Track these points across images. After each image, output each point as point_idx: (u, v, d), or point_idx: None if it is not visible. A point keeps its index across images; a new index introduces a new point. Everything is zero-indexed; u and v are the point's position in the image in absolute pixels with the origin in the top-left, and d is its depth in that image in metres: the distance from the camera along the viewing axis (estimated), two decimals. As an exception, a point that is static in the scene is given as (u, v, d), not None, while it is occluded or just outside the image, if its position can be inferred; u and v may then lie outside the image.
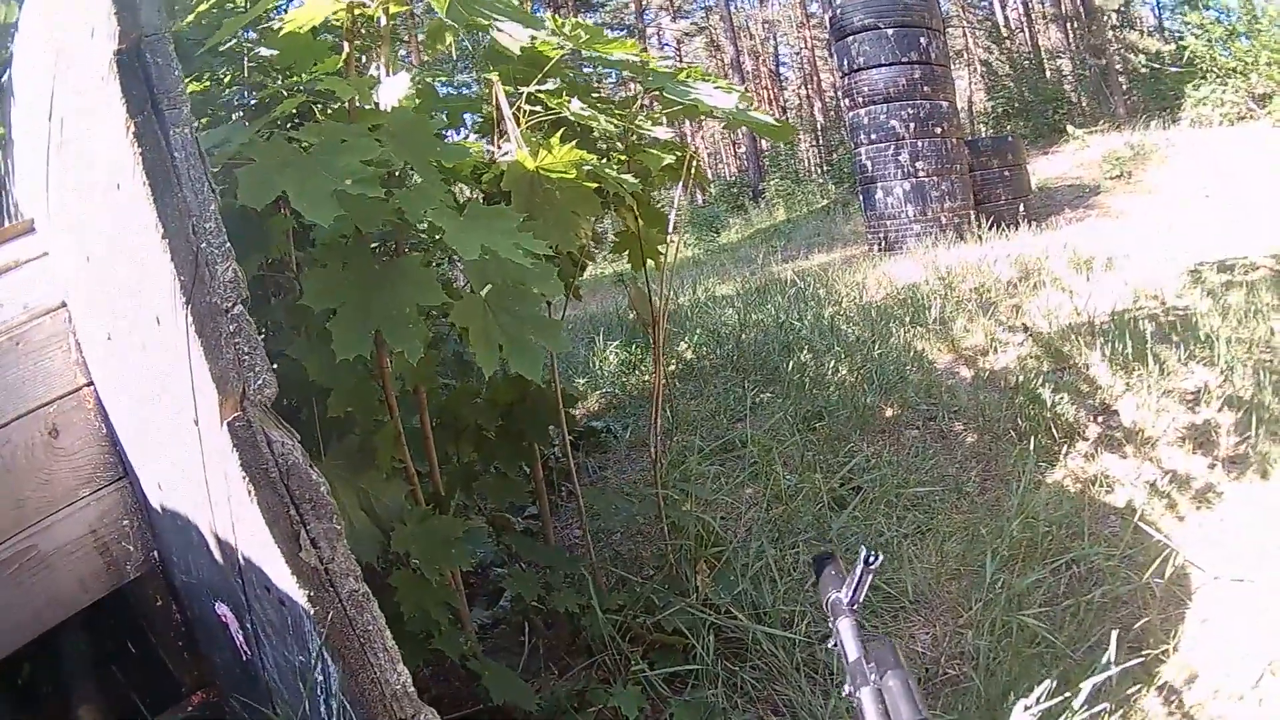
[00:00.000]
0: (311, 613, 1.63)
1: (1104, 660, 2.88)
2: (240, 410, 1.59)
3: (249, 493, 1.59)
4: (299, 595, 1.62)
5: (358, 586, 1.68)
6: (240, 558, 1.77)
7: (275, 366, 1.79)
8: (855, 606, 1.48)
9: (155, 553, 2.35)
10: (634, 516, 4.32)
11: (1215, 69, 17.76)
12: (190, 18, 2.71)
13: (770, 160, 28.91)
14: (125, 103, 1.58)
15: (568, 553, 3.89)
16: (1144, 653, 3.37)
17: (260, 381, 1.61)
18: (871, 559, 1.45)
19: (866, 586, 1.50)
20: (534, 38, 2.51)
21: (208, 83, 2.83)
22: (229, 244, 1.61)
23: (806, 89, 42.46)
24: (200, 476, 1.77)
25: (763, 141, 30.83)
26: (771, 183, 25.78)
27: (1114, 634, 3.07)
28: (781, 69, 44.83)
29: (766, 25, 43.41)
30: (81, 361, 2.27)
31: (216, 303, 1.59)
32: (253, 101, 2.94)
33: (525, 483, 3.64)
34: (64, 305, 2.28)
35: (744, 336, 7.57)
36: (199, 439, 1.69)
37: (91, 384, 2.25)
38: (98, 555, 2.22)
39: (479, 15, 2.43)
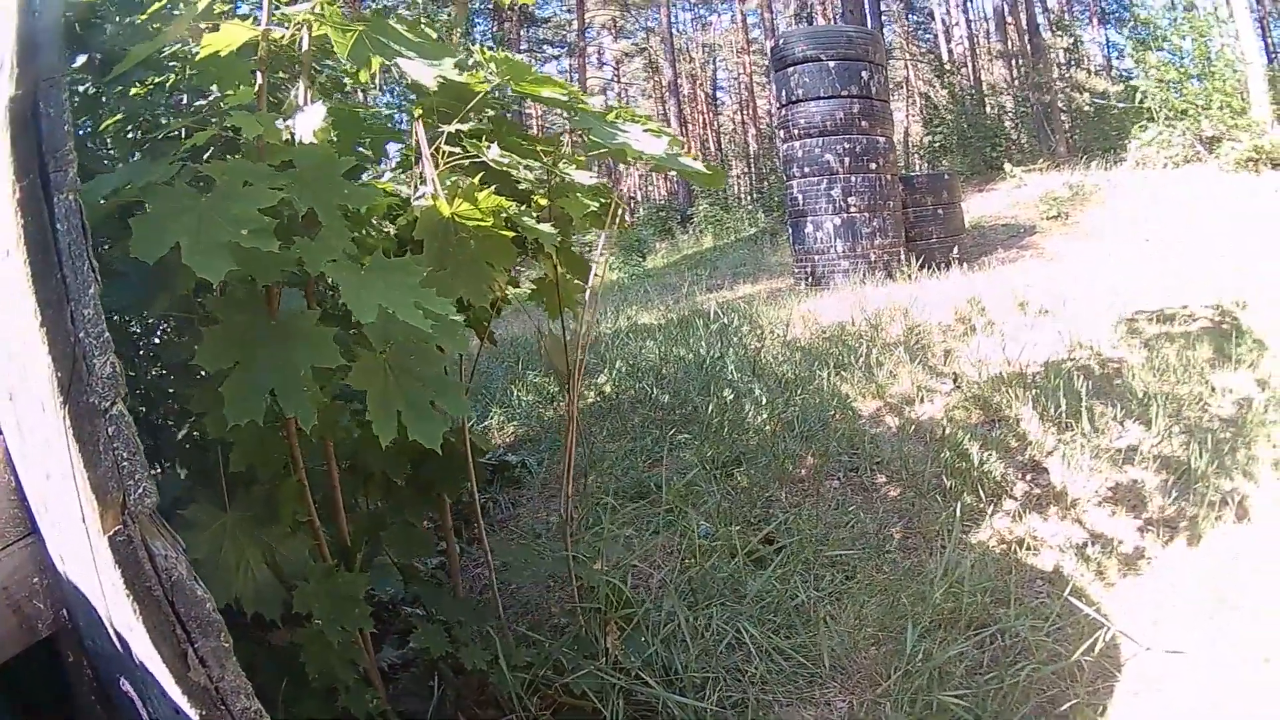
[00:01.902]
0: None
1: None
2: (121, 523, 1.48)
3: (134, 610, 1.48)
4: (191, 712, 1.52)
5: (249, 704, 1.58)
6: (136, 658, 1.66)
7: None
8: None
9: (65, 612, 2.23)
10: (543, 574, 4.23)
11: (1166, 110, 18.00)
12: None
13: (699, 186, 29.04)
14: (13, 162, 1.45)
15: (476, 599, 3.81)
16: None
17: (141, 490, 1.49)
18: None
19: None
20: (440, 78, 2.41)
21: (119, 116, 2.72)
22: (107, 334, 1.49)
23: (742, 115, 42.83)
24: (92, 569, 1.66)
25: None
26: (701, 208, 25.89)
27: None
28: (719, 93, 45.17)
29: (706, 49, 43.72)
30: None
31: (94, 402, 1.46)
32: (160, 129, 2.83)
33: (433, 534, 3.55)
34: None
35: (664, 371, 7.51)
36: (86, 536, 1.58)
37: (0, 435, 2.13)
38: (10, 613, 2.09)
39: (385, 53, 2.35)
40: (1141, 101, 18.63)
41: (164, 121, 2.77)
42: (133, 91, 2.91)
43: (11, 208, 1.44)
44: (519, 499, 5.56)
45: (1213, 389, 6.33)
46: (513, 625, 3.68)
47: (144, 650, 1.55)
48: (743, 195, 32.60)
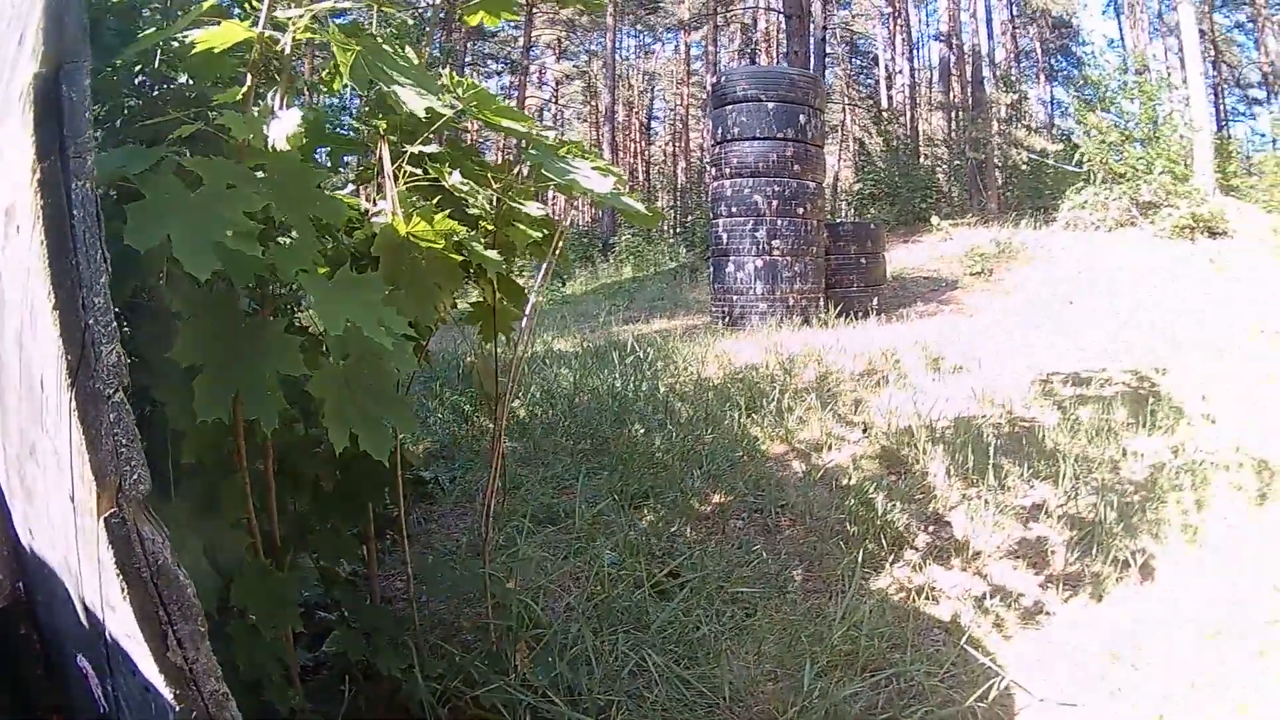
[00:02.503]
0: (176, 709, 1.58)
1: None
2: (116, 505, 1.52)
3: (122, 589, 1.52)
4: (165, 690, 1.57)
5: (218, 687, 1.64)
6: (108, 635, 1.69)
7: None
8: None
9: (21, 584, 2.25)
10: (458, 589, 4.27)
11: (1104, 172, 18.28)
12: None
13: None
14: (35, 140, 1.49)
15: (391, 607, 3.84)
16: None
17: (136, 476, 1.54)
18: None
19: None
20: (430, 109, 2.49)
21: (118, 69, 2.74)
22: (114, 323, 1.54)
23: (674, 146, 43.10)
24: (71, 546, 1.67)
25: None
26: (623, 238, 25.85)
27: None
28: (653, 123, 45.34)
29: (647, 77, 43.89)
30: None
31: (99, 389, 1.51)
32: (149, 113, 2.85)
33: (357, 541, 3.58)
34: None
35: (577, 400, 7.57)
36: (73, 514, 1.61)
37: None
38: None
39: (380, 77, 2.43)
40: (1080, 162, 18.92)
41: (135, 106, 2.79)
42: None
43: (32, 188, 1.48)
44: (431, 514, 5.58)
45: (1125, 452, 6.54)
46: (426, 636, 3.72)
47: (123, 629, 1.60)
48: (666, 229, 32.65)
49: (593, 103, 42.20)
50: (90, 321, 1.51)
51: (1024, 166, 27.28)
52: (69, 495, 1.60)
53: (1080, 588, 4.96)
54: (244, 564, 2.63)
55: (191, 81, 2.82)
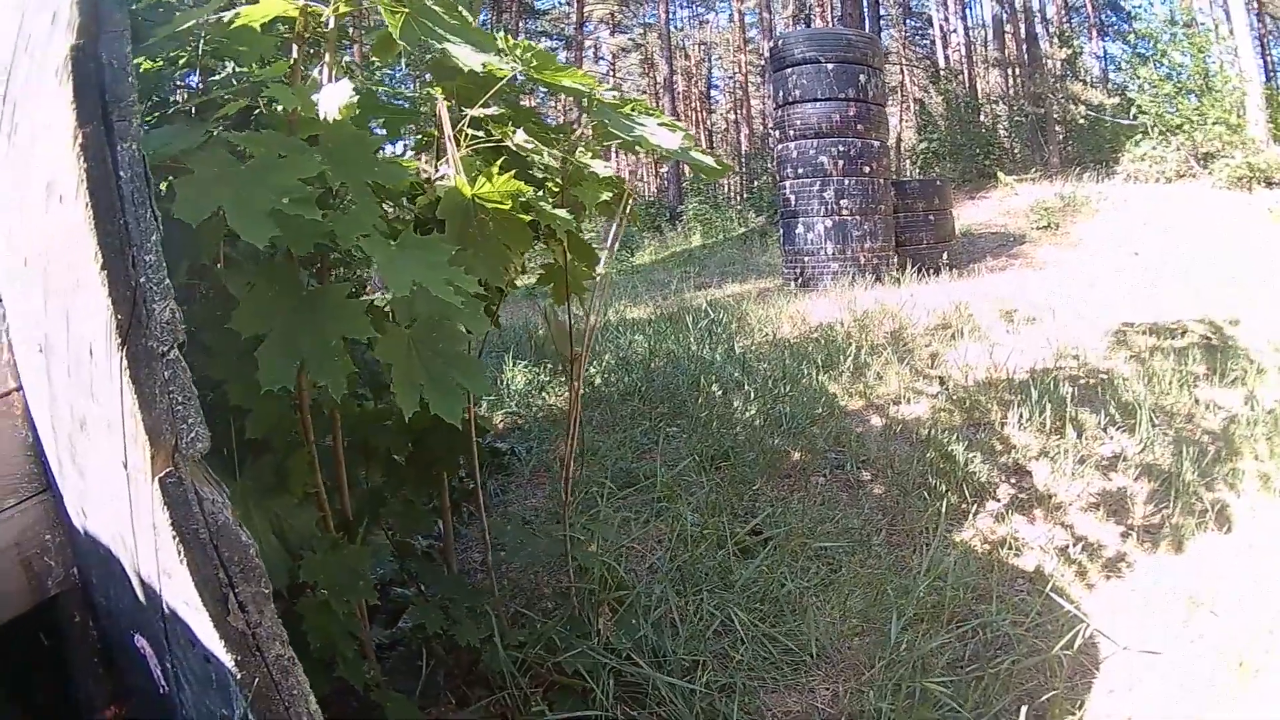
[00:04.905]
0: (238, 675, 1.54)
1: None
2: (172, 465, 1.48)
3: (179, 552, 1.49)
4: (225, 657, 1.53)
5: (283, 651, 1.60)
6: (165, 607, 1.66)
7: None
8: None
9: (75, 570, 2.24)
10: (539, 554, 4.25)
11: (1160, 125, 18.07)
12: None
13: (691, 183, 28.94)
14: (76, 108, 1.45)
15: (468, 580, 3.82)
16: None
17: (193, 435, 1.51)
18: None
19: None
20: (486, 64, 2.44)
21: (160, 62, 2.71)
22: (168, 281, 1.51)
23: (736, 114, 42.85)
24: (126, 517, 1.65)
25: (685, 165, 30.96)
26: (690, 206, 25.72)
27: (1023, 710, 3.10)
28: (713, 92, 45.13)
29: (703, 47, 43.67)
30: (12, 363, 2.14)
31: (153, 346, 1.47)
32: (196, 97, 2.83)
33: (432, 512, 3.56)
34: (-1, 300, 2.14)
35: (653, 365, 7.54)
36: (126, 483, 1.58)
37: (20, 389, 2.13)
38: (21, 570, 2.09)
39: (433, 36, 2.37)
40: (1137, 116, 18.66)
41: (179, 95, 2.77)
42: (145, 66, 2.90)
43: (74, 153, 1.45)
44: (507, 486, 5.57)
45: (1200, 403, 6.42)
46: (506, 605, 3.70)
47: (181, 596, 1.57)
48: (733, 195, 32.45)
49: (650, 74, 41.96)
50: (142, 279, 1.48)
51: (1082, 121, 26.74)
52: (122, 462, 1.57)
53: (1160, 537, 4.89)
54: (314, 539, 2.60)
55: (235, 68, 2.79)
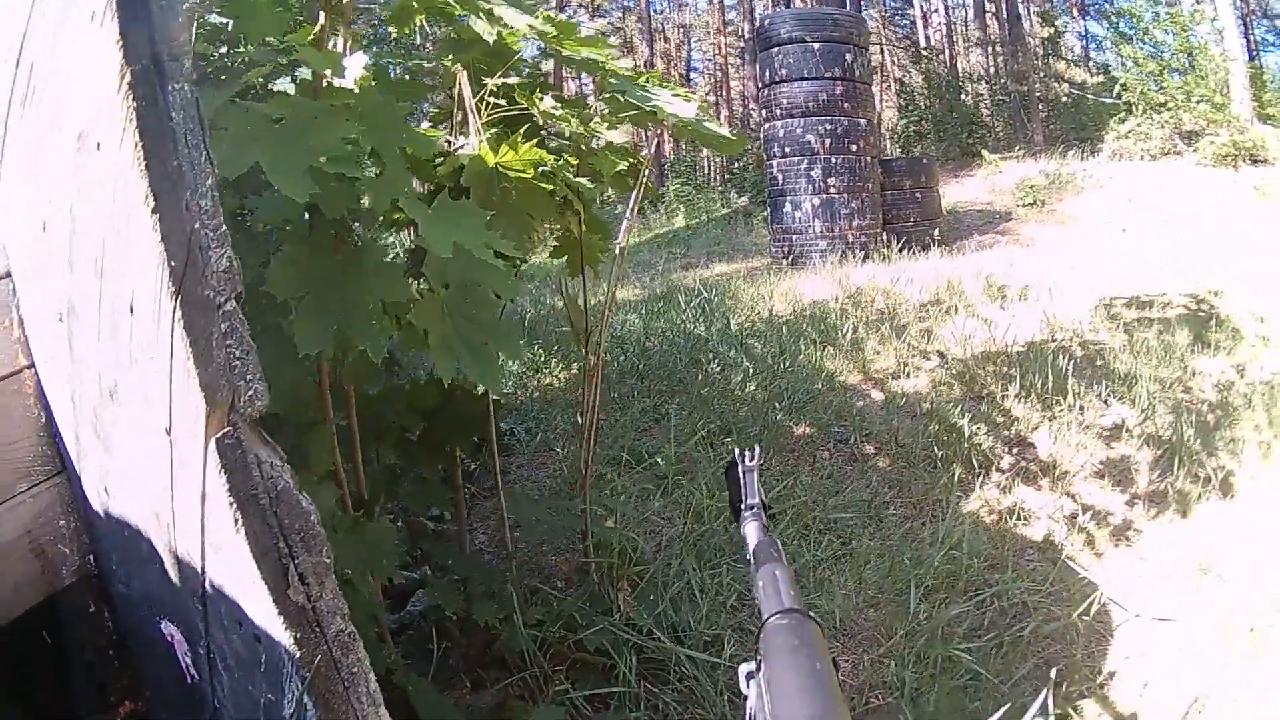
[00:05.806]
0: (296, 654, 1.43)
1: (1043, 695, 2.90)
2: (229, 425, 1.39)
3: (235, 520, 1.39)
4: (282, 635, 1.43)
5: (344, 626, 1.51)
6: (208, 586, 1.55)
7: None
8: (751, 507, 1.71)
9: (91, 557, 2.14)
10: (556, 530, 4.20)
11: (1144, 103, 18.16)
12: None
13: (673, 165, 28.86)
14: (123, 47, 1.34)
15: (484, 556, 3.78)
16: (1068, 689, 3.44)
17: (252, 391, 1.41)
18: (748, 457, 1.77)
19: (755, 486, 1.75)
20: (531, 25, 2.39)
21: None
22: (225, 228, 1.40)
23: (715, 96, 42.69)
24: (164, 490, 1.55)
25: (667, 146, 30.85)
26: (673, 187, 25.67)
27: (1053, 671, 3.09)
28: (693, 75, 45.05)
29: (682, 30, 43.60)
30: (23, 340, 2.03)
31: (209, 296, 1.37)
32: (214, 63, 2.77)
33: (445, 489, 3.50)
34: (8, 275, 2.03)
35: (649, 344, 7.50)
36: (169, 449, 1.47)
37: (33, 366, 2.03)
38: (33, 558, 1.98)
39: (469, 6, 2.34)
40: (1120, 94, 18.72)
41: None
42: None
43: (121, 93, 1.34)
44: (509, 466, 5.51)
45: (1192, 372, 6.50)
46: (523, 583, 3.65)
47: (231, 573, 1.49)
48: (714, 176, 32.40)
49: (631, 57, 41.95)
50: (196, 225, 1.37)
51: (1065, 99, 26.86)
52: (164, 428, 1.47)
53: (1165, 505, 4.95)
54: (335, 518, 2.53)
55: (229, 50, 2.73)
